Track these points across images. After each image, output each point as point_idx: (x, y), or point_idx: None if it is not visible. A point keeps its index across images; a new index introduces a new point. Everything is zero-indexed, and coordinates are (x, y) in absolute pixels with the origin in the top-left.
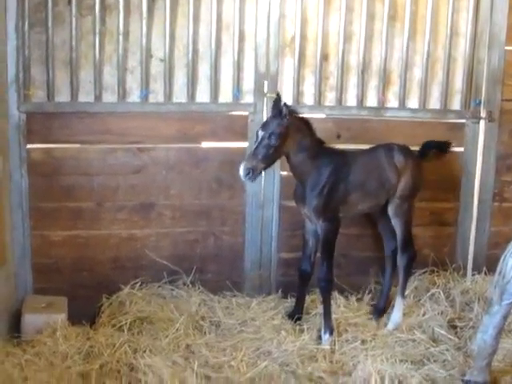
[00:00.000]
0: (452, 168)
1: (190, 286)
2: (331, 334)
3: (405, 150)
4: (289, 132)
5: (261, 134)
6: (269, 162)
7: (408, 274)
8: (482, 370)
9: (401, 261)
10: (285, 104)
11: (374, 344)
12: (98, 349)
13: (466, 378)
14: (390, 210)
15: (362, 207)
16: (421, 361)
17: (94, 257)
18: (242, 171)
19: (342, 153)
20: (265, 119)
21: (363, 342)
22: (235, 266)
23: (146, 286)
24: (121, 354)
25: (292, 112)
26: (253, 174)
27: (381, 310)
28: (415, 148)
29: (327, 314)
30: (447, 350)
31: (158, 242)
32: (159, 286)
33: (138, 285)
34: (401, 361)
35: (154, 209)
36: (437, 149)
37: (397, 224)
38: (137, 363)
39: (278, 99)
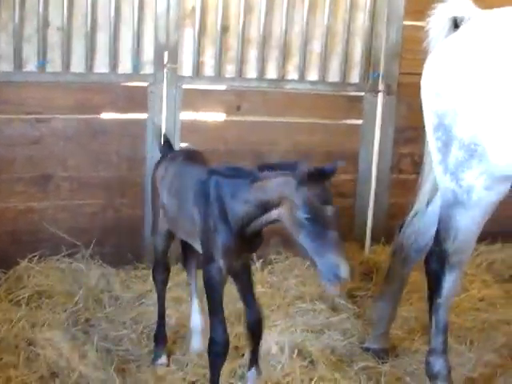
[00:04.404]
0: (350, 140)
1: (89, 259)
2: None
3: None
4: None
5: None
6: None
7: None
8: (379, 337)
9: None
10: None
11: (275, 315)
12: None
13: (365, 345)
14: None
15: None
16: (321, 330)
17: None
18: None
19: None
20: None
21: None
22: (135, 239)
23: (45, 259)
24: (19, 328)
25: None
26: None
27: None
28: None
29: None
30: (348, 318)
31: (56, 215)
32: (58, 260)
33: (36, 258)
34: (302, 330)
35: (52, 181)
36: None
37: None
38: (35, 338)
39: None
